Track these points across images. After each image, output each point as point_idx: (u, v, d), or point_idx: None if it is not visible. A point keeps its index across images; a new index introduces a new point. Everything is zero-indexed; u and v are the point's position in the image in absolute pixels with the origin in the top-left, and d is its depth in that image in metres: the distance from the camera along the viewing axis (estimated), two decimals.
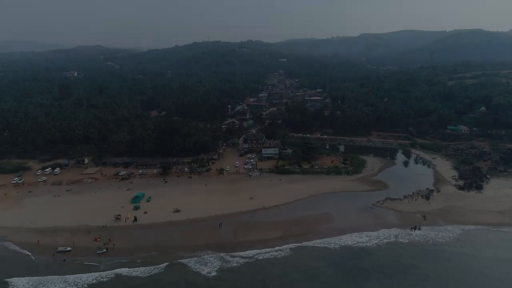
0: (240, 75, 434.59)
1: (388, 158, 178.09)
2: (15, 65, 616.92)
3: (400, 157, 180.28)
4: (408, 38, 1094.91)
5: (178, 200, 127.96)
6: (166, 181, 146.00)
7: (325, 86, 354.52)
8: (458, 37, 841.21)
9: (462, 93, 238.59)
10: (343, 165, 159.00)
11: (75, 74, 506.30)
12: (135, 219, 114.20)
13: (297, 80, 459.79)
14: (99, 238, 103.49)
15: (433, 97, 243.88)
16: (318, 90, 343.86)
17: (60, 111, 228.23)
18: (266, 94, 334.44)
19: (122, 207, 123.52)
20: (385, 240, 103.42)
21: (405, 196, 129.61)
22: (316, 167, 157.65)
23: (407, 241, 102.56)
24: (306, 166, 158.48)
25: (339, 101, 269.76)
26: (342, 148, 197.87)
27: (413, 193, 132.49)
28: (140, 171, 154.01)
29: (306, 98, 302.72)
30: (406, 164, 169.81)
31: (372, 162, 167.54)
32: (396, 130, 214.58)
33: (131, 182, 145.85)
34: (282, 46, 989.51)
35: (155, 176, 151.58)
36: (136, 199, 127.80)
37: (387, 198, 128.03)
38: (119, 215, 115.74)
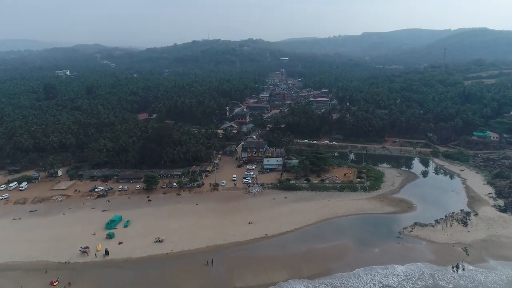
0: (239, 74, 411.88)
1: (408, 169, 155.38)
2: (8, 64, 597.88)
3: (422, 168, 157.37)
4: (411, 36, 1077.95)
5: (162, 225, 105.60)
6: (149, 200, 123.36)
7: (331, 86, 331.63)
8: (464, 36, 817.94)
9: (486, 95, 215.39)
10: (358, 179, 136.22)
11: (68, 73, 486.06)
12: (106, 252, 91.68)
13: (299, 79, 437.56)
14: (57, 281, 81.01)
15: (452, 98, 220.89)
16: (323, 90, 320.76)
17: (39, 113, 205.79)
18: (268, 95, 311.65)
19: (93, 234, 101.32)
20: (420, 283, 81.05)
21: (437, 221, 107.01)
22: (327, 181, 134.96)
23: (450, 286, 79.98)
24: (315, 180, 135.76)
25: (348, 103, 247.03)
26: (352, 156, 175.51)
27: (445, 216, 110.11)
28: (120, 187, 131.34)
29: (311, 99, 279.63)
30: (430, 177, 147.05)
31: (390, 175, 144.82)
32: (413, 136, 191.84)
33: (108, 201, 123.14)
34: (284, 45, 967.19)
35: (137, 193, 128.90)
36: (111, 224, 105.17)
37: (415, 224, 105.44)
38: (87, 247, 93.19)
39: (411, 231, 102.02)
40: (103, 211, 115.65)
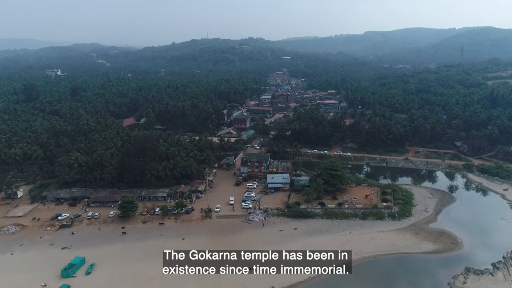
0: (239, 74, 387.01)
1: (440, 188, 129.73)
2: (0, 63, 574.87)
3: (456, 186, 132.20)
4: (415, 36, 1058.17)
5: (136, 271, 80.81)
6: (124, 232, 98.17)
7: (338, 86, 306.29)
8: (471, 34, 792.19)
9: None
10: (383, 203, 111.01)
11: (59, 72, 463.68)
12: None
13: (303, 79, 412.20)
14: None
15: (479, 102, 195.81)
16: (329, 91, 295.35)
17: (10, 118, 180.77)
18: (270, 96, 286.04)
19: (44, 286, 76.38)
20: None
21: (495, 266, 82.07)
22: (346, 206, 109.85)
23: None
24: (330, 204, 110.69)
25: (359, 106, 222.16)
26: (367, 169, 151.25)
27: (504, 257, 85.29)
28: (90, 213, 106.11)
29: (317, 101, 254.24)
30: (469, 199, 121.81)
31: (421, 196, 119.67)
32: (438, 145, 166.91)
33: (72, 233, 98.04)
34: (285, 44, 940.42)
35: (111, 222, 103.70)
36: (69, 270, 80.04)
37: (468, 270, 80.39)
38: None
39: (464, 283, 76.95)
40: (63, 248, 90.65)
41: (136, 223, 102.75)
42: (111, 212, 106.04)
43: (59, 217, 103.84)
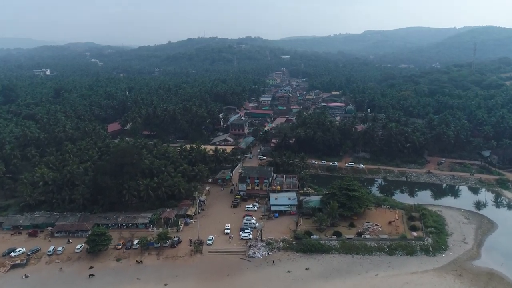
0: (237, 74, 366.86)
1: (473, 209, 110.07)
2: None
3: (492, 206, 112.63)
4: (416, 35, 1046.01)
5: None
6: (92, 274, 77.66)
7: (342, 87, 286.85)
8: (474, 34, 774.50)
9: None
10: (413, 232, 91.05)
11: (48, 72, 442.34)
12: None
13: (303, 80, 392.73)
14: None
15: (504, 105, 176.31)
16: (333, 92, 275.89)
17: None
18: (270, 98, 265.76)
19: None
20: None
21: None
22: (367, 235, 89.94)
23: None
24: (348, 233, 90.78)
25: (369, 109, 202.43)
26: (383, 183, 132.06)
27: None
28: (51, 247, 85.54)
29: (322, 104, 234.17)
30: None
31: (455, 221, 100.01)
32: (462, 155, 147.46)
33: (26, 276, 77.50)
34: (283, 43, 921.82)
35: (76, 259, 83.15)
36: None
37: None
38: None
39: None
40: None
41: (108, 260, 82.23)
42: (78, 246, 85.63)
43: (13, 253, 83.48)
